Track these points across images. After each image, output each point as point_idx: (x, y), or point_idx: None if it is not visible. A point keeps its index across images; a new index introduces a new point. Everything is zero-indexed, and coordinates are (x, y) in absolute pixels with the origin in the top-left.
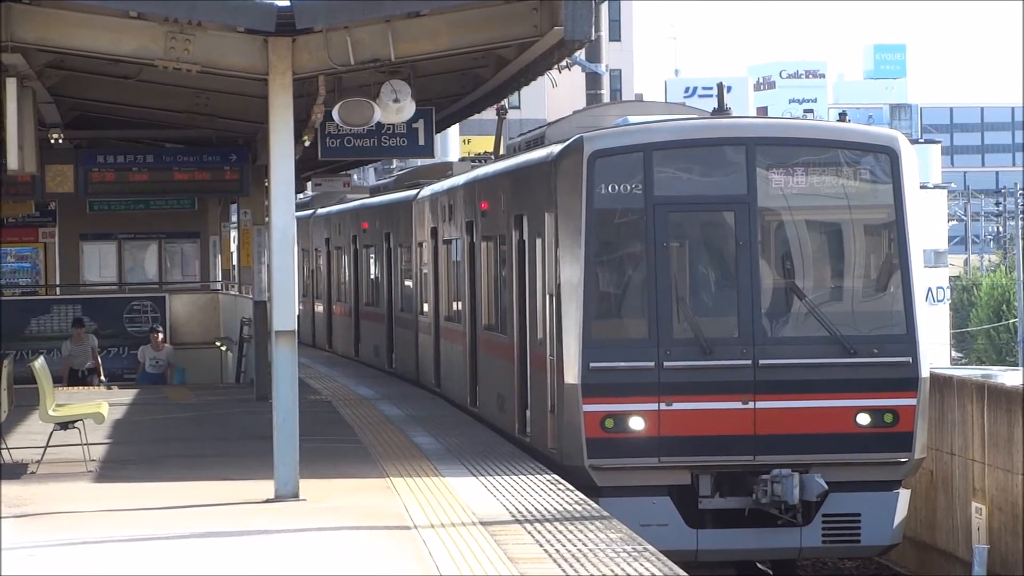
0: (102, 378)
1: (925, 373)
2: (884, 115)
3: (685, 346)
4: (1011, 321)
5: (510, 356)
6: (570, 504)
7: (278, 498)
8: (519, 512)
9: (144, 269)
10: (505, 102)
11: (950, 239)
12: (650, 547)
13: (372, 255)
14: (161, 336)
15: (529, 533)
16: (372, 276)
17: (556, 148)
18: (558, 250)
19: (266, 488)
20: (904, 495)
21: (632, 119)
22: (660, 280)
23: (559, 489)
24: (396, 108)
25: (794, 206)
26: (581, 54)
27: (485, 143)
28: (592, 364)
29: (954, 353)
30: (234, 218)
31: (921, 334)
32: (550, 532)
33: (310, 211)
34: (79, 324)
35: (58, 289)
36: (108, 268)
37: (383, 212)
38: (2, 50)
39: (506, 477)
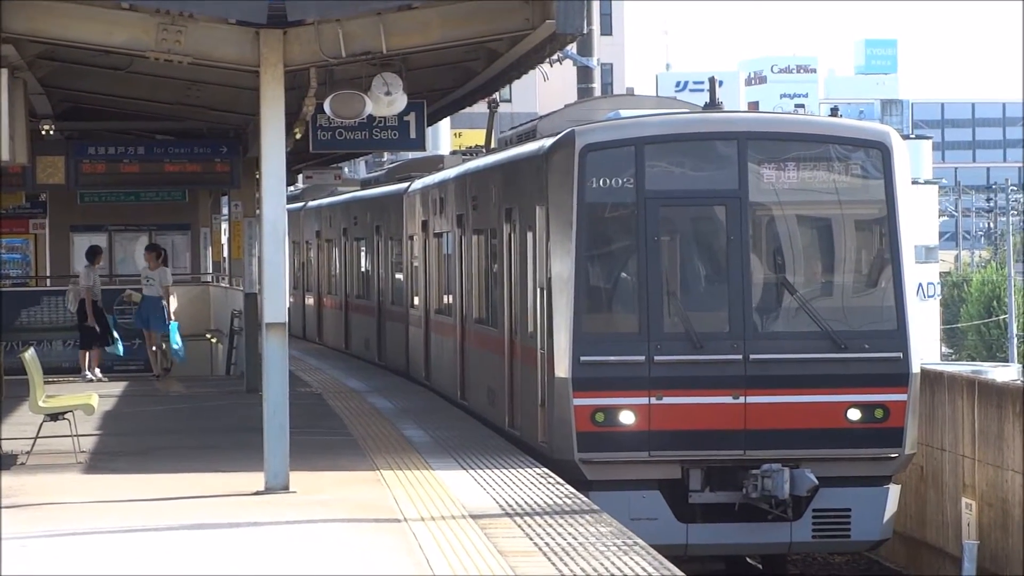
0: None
1: (916, 369)
2: (875, 110)
3: (676, 340)
4: (1001, 317)
5: (500, 349)
6: (560, 498)
7: (268, 490)
8: (509, 505)
9: (134, 261)
10: (496, 95)
11: (941, 235)
12: (640, 541)
13: (363, 248)
14: (156, 255)
15: (519, 526)
16: (362, 269)
17: (547, 142)
18: (549, 244)
19: (256, 480)
20: (894, 490)
21: (624, 113)
22: (651, 274)
23: (549, 483)
24: (387, 101)
25: (785, 201)
26: (572, 48)
27: (476, 136)
28: (583, 358)
29: (944, 349)
30: (225, 210)
31: (912, 330)
32: (540, 525)
33: (301, 204)
34: (99, 253)
35: (48, 280)
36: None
37: (374, 205)
38: None
39: (496, 470)
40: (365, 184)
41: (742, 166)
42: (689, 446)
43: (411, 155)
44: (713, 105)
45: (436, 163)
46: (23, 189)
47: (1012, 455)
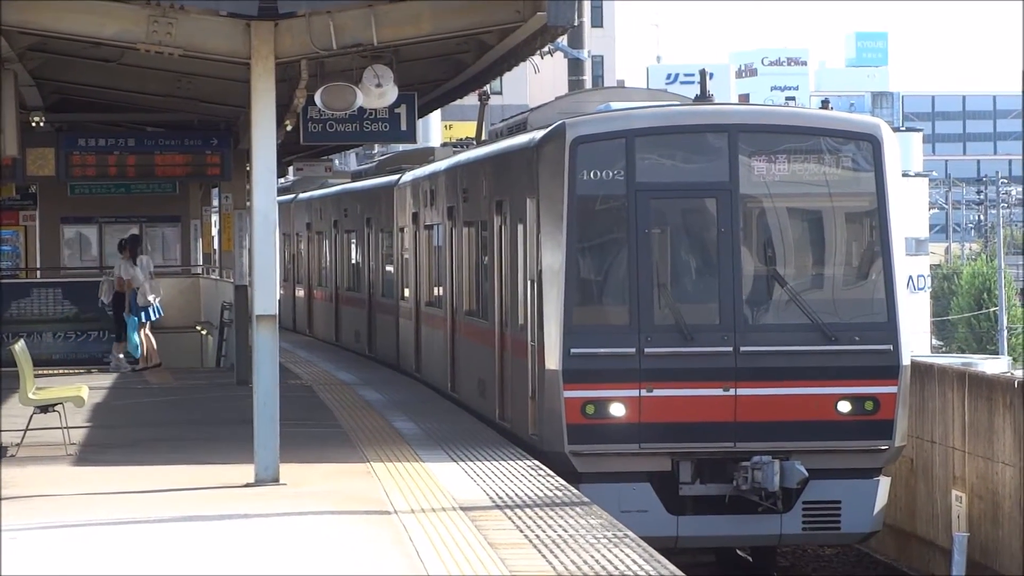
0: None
1: (906, 361)
2: (866, 103)
3: (666, 332)
4: (991, 310)
5: (491, 342)
6: (550, 490)
7: (258, 482)
8: (499, 498)
9: None
10: (487, 88)
11: (931, 227)
12: (630, 533)
13: (353, 240)
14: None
15: (509, 519)
16: (353, 261)
17: (538, 134)
18: (540, 236)
19: (246, 472)
20: (884, 483)
21: (614, 105)
22: (641, 266)
23: (539, 475)
24: (378, 93)
25: (776, 193)
26: (563, 40)
27: (467, 129)
28: (573, 350)
29: (935, 341)
30: (215, 202)
31: (902, 322)
32: (530, 518)
33: (291, 196)
34: (139, 242)
35: (39, 272)
36: (89, 251)
37: (364, 197)
38: None
39: (486, 463)
40: (356, 176)
41: (733, 158)
42: (679, 438)
43: (402, 147)
44: (704, 97)
45: (427, 155)
46: (13, 181)
47: (1002, 447)
